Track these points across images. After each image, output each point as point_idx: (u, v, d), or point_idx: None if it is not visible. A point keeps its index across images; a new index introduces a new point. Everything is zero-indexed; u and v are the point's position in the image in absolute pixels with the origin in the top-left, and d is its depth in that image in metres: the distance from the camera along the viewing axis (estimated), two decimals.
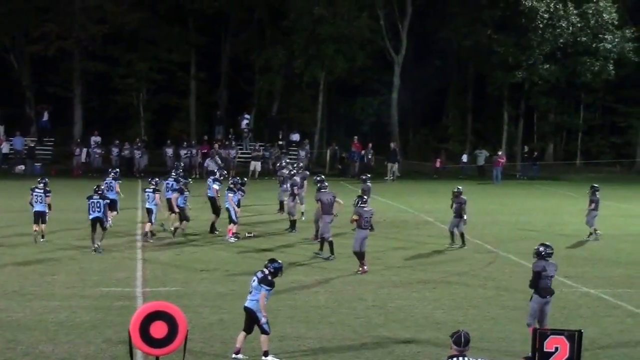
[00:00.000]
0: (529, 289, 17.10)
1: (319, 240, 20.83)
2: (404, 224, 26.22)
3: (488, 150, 46.33)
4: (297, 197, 24.41)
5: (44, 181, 21.98)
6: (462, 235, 22.03)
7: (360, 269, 18.41)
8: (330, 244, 20.02)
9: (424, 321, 14.51)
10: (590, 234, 24.11)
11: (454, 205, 21.96)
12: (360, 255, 18.50)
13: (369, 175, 26.33)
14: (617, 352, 13.10)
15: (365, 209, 18.48)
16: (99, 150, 41.72)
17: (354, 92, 50.06)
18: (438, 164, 45.07)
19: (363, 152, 42.95)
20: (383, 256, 20.52)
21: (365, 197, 19.64)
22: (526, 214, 29.60)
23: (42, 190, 21.47)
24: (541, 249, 13.26)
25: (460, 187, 22.74)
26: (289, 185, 24.89)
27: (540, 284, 12.98)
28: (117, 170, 26.60)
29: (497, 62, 45.56)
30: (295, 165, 30.14)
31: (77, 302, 15.27)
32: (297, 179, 25.16)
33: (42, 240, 21.33)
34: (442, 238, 23.62)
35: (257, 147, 43.16)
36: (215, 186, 23.48)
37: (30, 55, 44.54)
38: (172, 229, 22.55)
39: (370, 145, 43.39)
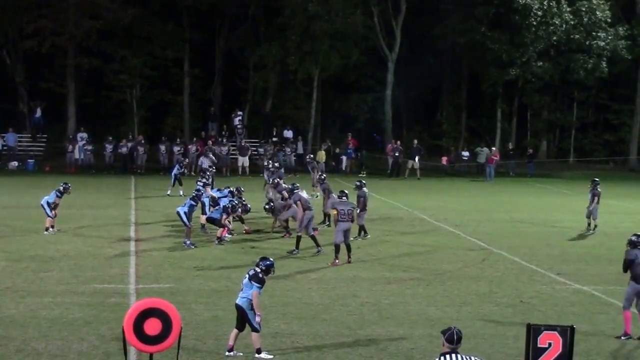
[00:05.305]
0: (522, 286, 17.28)
1: (285, 230, 22.25)
2: (399, 221, 26.25)
3: (482, 147, 46.22)
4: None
5: (63, 186, 22.70)
6: (362, 227, 22.24)
7: (335, 261, 18.82)
8: (299, 238, 20.16)
9: (418, 318, 14.53)
10: (590, 225, 24.81)
11: (360, 199, 22.15)
12: (339, 248, 18.81)
13: (324, 176, 26.11)
14: (609, 349, 13.14)
15: (342, 202, 19.33)
16: (90, 147, 41.55)
17: (348, 89, 50.02)
18: (445, 162, 44.94)
19: (391, 152, 42.66)
20: (377, 253, 20.55)
21: (347, 191, 20.24)
22: (519, 211, 29.62)
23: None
24: (634, 238, 13.76)
25: (363, 181, 23.02)
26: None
27: (633, 271, 13.41)
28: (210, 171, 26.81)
29: (491, 60, 45.58)
30: (270, 164, 29.94)
31: (70, 298, 15.25)
32: (267, 177, 25.20)
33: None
34: (436, 235, 23.69)
35: (243, 143, 42.97)
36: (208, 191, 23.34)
37: (23, 51, 44.37)
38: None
39: (398, 142, 43.35)
